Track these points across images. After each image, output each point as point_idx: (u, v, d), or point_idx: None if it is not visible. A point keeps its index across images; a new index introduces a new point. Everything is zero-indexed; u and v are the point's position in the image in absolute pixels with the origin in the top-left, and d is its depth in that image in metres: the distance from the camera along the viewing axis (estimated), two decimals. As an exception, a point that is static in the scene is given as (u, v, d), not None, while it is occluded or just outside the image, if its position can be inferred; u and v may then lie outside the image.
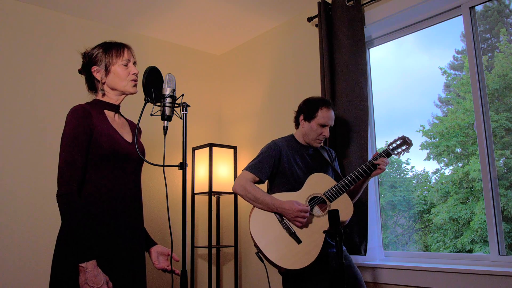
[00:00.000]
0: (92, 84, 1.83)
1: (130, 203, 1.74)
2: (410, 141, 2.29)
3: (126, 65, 1.81)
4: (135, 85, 1.84)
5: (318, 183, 2.25)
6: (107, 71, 1.78)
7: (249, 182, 2.25)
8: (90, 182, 1.65)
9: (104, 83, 1.79)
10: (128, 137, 1.84)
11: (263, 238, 2.16)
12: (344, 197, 2.23)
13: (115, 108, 1.83)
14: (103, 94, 1.80)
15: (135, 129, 1.89)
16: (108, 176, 1.68)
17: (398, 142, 2.29)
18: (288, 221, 2.17)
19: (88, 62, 1.80)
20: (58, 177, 1.60)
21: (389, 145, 2.29)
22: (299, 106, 2.42)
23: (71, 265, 1.55)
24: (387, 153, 2.26)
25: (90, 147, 1.65)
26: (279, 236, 2.16)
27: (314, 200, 2.22)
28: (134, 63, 1.85)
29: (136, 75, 1.83)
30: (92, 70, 1.79)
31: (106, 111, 1.80)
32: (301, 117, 2.36)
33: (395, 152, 2.28)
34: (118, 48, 1.83)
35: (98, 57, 1.79)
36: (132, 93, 1.85)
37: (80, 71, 1.86)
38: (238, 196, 3.47)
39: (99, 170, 1.67)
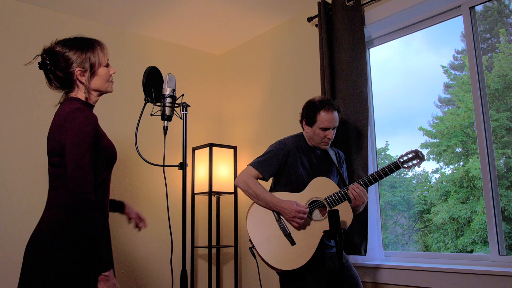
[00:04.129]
0: (68, 84, 1.70)
1: (107, 208, 1.74)
2: (423, 155, 2.18)
3: (107, 66, 1.75)
4: (112, 85, 1.80)
5: (321, 187, 2.24)
6: (93, 73, 1.70)
7: (251, 178, 2.25)
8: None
9: (86, 85, 1.70)
10: None
11: (258, 235, 2.17)
12: (345, 204, 2.21)
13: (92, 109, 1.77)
14: (86, 97, 1.71)
15: None
16: (106, 179, 1.68)
17: (410, 156, 2.18)
18: (285, 222, 2.17)
19: (67, 60, 1.67)
20: (78, 181, 1.51)
21: (400, 157, 2.20)
22: (302, 109, 2.39)
23: (84, 273, 1.51)
24: (396, 165, 2.18)
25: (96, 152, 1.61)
26: (274, 235, 2.16)
27: (314, 204, 2.21)
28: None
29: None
30: (76, 73, 1.67)
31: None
32: (304, 122, 2.35)
33: (405, 166, 2.18)
34: (102, 47, 1.74)
35: (83, 59, 1.68)
36: (111, 91, 1.80)
37: (44, 67, 1.72)
38: (238, 196, 3.48)
39: (105, 174, 1.65)
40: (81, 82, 1.69)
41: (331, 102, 2.30)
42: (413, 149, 2.21)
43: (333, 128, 2.28)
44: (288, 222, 2.15)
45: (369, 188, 2.67)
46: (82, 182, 1.51)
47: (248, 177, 2.25)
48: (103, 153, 1.64)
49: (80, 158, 1.53)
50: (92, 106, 1.76)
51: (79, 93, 1.71)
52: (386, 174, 2.19)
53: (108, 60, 1.76)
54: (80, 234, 1.49)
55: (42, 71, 1.75)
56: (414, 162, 2.18)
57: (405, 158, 2.19)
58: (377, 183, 2.85)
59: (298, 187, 2.26)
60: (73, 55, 1.68)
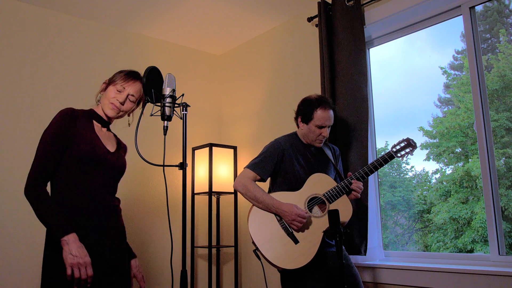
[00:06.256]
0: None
1: (99, 208, 1.77)
2: (415, 143, 2.22)
3: (119, 91, 1.85)
4: (113, 109, 1.85)
5: (319, 183, 2.25)
6: (106, 88, 1.88)
7: (250, 181, 2.25)
8: (62, 181, 1.72)
9: (99, 95, 1.92)
10: (111, 148, 1.88)
11: (261, 236, 2.17)
12: (344, 198, 2.23)
13: (103, 122, 1.89)
14: (98, 104, 1.92)
15: (121, 146, 1.97)
16: (80, 177, 1.73)
17: (402, 144, 2.22)
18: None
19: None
20: (30, 170, 1.67)
21: (392, 147, 2.24)
22: (297, 106, 2.40)
23: (56, 254, 1.62)
24: (390, 155, 2.21)
25: (69, 149, 1.72)
26: (277, 235, 2.16)
27: (314, 201, 2.22)
28: (132, 96, 1.87)
29: (121, 104, 1.85)
30: (102, 84, 1.93)
31: (94, 121, 1.87)
32: (299, 119, 2.35)
33: (399, 155, 2.21)
34: (128, 77, 1.88)
35: (114, 77, 1.90)
36: (108, 115, 1.87)
37: None
38: (238, 196, 3.48)
39: (73, 171, 1.73)
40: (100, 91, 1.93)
41: (327, 100, 2.32)
42: (405, 137, 2.24)
43: (328, 126, 2.29)
44: (287, 224, 2.16)
45: (369, 188, 2.69)
46: (33, 169, 1.67)
47: (247, 180, 2.25)
48: (79, 150, 1.72)
49: (40, 149, 1.70)
50: (101, 119, 1.88)
51: (98, 106, 1.91)
52: (381, 165, 2.21)
53: (127, 92, 1.86)
54: (36, 214, 1.65)
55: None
56: (407, 150, 2.22)
57: (397, 147, 2.23)
58: (377, 184, 2.87)
59: (295, 185, 2.27)
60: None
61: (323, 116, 2.25)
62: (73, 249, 1.58)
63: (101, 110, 1.89)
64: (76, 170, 1.73)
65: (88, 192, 1.74)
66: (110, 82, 1.88)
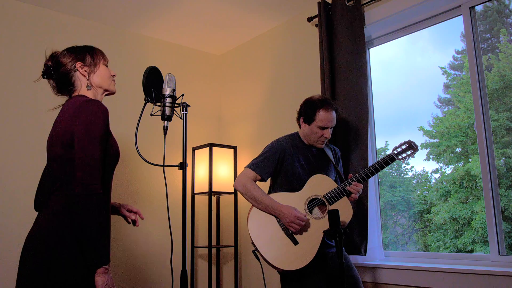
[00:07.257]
0: (66, 85, 1.72)
1: (107, 209, 1.72)
2: (416, 146, 2.22)
3: (107, 66, 1.79)
4: (114, 85, 1.82)
5: (319, 184, 2.24)
6: (94, 68, 1.72)
7: (250, 181, 2.25)
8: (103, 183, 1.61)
9: (88, 79, 1.72)
10: None
11: (261, 237, 2.17)
12: (344, 200, 2.22)
13: None
14: (89, 89, 1.72)
15: None
16: (109, 177, 1.68)
17: (404, 147, 2.21)
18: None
19: (67, 58, 1.72)
20: (85, 173, 1.49)
21: (394, 149, 2.23)
22: (300, 106, 2.40)
23: (83, 269, 1.50)
24: (391, 157, 2.21)
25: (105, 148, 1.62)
26: (277, 236, 2.16)
27: (314, 202, 2.22)
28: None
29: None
30: (77, 66, 1.70)
31: None
32: (301, 120, 2.35)
33: (400, 157, 2.21)
34: (100, 51, 1.80)
35: (83, 55, 1.72)
36: (114, 92, 1.82)
37: (48, 74, 1.73)
38: (238, 196, 3.48)
39: (108, 171, 1.65)
40: (82, 75, 1.71)
41: (330, 101, 2.32)
42: (406, 140, 2.23)
43: (330, 127, 2.29)
44: (286, 226, 2.16)
45: (369, 188, 2.69)
46: (91, 172, 1.50)
47: (247, 179, 2.25)
48: (109, 151, 1.63)
49: (91, 148, 1.52)
50: None
51: (83, 91, 1.72)
52: (382, 167, 2.21)
53: (107, 63, 1.80)
54: (85, 226, 1.47)
55: (40, 71, 1.75)
56: (408, 153, 2.21)
57: (399, 149, 2.22)
58: (377, 184, 2.87)
59: (296, 186, 2.27)
60: (73, 53, 1.73)
61: (326, 117, 2.25)
62: (110, 280, 1.50)
63: (96, 95, 1.75)
64: (110, 170, 1.66)
65: (107, 189, 1.67)
66: (96, 62, 1.74)
